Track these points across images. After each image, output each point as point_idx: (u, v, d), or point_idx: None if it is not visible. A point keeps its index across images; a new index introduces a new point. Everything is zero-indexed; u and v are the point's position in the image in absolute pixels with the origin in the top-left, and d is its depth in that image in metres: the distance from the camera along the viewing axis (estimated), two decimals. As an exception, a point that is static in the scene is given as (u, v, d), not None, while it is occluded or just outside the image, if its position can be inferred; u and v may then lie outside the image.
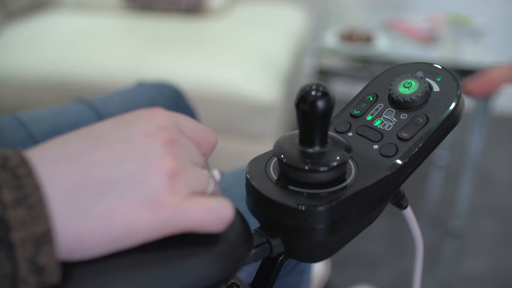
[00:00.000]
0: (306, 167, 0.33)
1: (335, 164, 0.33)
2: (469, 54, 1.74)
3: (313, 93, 0.32)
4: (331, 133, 0.35)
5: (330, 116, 0.33)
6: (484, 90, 0.32)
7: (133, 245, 0.26)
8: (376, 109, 0.40)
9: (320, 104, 0.32)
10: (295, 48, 1.67)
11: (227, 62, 1.42)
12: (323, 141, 0.33)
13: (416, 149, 0.36)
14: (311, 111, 0.32)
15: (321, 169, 0.33)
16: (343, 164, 0.34)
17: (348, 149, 0.34)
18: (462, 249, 1.43)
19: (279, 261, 0.36)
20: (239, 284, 0.36)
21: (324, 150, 0.33)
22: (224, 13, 1.80)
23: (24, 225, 0.23)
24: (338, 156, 0.33)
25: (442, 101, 0.38)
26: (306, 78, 2.02)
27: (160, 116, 0.29)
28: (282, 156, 0.33)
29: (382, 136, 0.38)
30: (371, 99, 0.41)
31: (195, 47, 1.51)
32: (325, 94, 0.32)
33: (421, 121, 0.37)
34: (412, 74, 0.40)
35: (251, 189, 0.35)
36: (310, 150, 0.33)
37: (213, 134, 0.32)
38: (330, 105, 0.32)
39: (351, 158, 0.36)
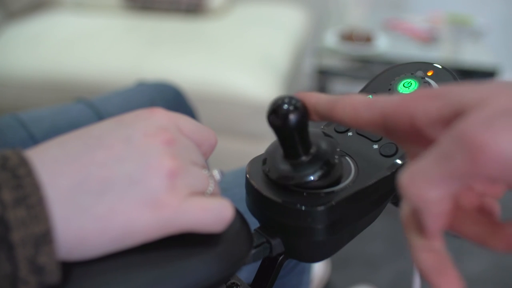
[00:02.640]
0: (291, 182, 0.33)
1: (322, 172, 0.32)
2: (469, 54, 1.74)
3: (285, 107, 0.30)
4: (314, 130, 0.34)
5: (305, 129, 0.31)
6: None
7: (133, 245, 0.26)
8: (376, 109, 0.40)
9: (292, 118, 0.30)
10: (295, 48, 1.67)
11: (227, 62, 1.42)
12: (305, 151, 0.33)
13: (416, 149, 0.36)
14: (283, 126, 0.31)
15: (312, 178, 0.32)
16: (334, 166, 0.33)
17: (334, 146, 0.34)
18: (462, 249, 1.43)
19: (279, 261, 0.36)
20: (239, 284, 0.36)
21: (307, 159, 0.33)
22: (224, 13, 1.80)
23: (24, 225, 0.23)
24: (324, 161, 0.33)
25: None
26: (306, 78, 2.02)
27: (160, 116, 0.29)
28: (268, 172, 0.33)
29: (382, 136, 0.38)
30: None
31: (195, 47, 1.51)
32: (296, 108, 0.30)
33: (421, 121, 0.37)
34: (412, 74, 0.40)
35: (251, 189, 0.35)
36: (294, 162, 0.33)
37: (213, 134, 0.32)
38: (301, 118, 0.30)
39: (351, 157, 0.36)
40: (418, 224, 0.24)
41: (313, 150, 0.33)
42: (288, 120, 0.30)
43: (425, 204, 0.22)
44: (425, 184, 0.22)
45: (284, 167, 0.33)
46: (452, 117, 0.23)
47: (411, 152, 0.28)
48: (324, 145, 0.34)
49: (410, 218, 0.25)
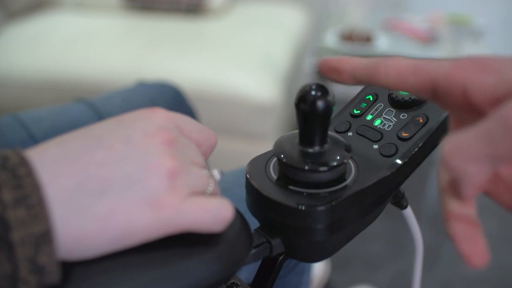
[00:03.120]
0: (306, 167, 0.33)
1: (334, 164, 0.33)
2: (469, 54, 1.74)
3: (313, 93, 0.32)
4: (330, 132, 0.35)
5: (329, 116, 0.33)
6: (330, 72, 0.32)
7: (133, 245, 0.26)
8: (376, 109, 0.40)
9: (320, 104, 0.32)
10: (295, 48, 1.67)
11: (227, 62, 1.42)
12: (323, 141, 0.33)
13: (416, 149, 0.36)
14: (311, 111, 0.32)
15: (321, 169, 0.33)
16: (343, 164, 0.34)
17: (348, 149, 0.34)
18: (462, 249, 1.43)
19: (279, 261, 0.36)
20: (239, 284, 0.36)
21: (323, 150, 0.33)
22: (224, 13, 1.80)
23: (24, 225, 0.23)
24: (338, 156, 0.33)
25: None
26: (306, 78, 2.02)
27: (160, 116, 0.29)
28: (282, 156, 0.33)
29: (382, 136, 0.38)
30: (371, 99, 0.41)
31: (195, 47, 1.51)
32: (325, 94, 0.32)
33: (421, 120, 0.37)
34: (412, 74, 0.40)
35: (251, 189, 0.35)
36: (310, 150, 0.33)
37: (213, 134, 0.32)
38: (329, 105, 0.32)
39: (351, 158, 0.36)
40: (455, 189, 0.25)
41: (328, 145, 0.34)
42: (316, 105, 0.32)
43: (465, 177, 0.23)
44: (467, 160, 0.22)
45: (299, 153, 0.34)
46: (505, 96, 0.23)
47: (457, 117, 0.28)
48: (339, 143, 0.34)
49: (447, 183, 0.25)
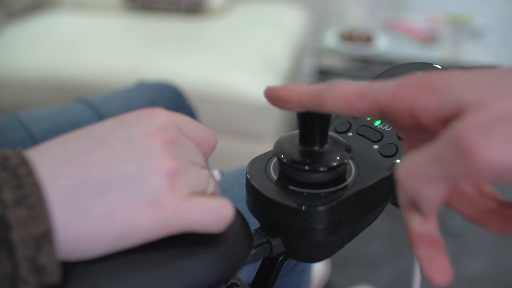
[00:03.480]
0: (306, 168, 0.33)
1: (335, 164, 0.33)
2: (469, 54, 1.74)
3: None
4: (331, 133, 0.35)
5: (330, 116, 0.33)
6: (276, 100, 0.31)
7: (133, 245, 0.26)
8: (376, 109, 0.40)
9: None
10: (295, 48, 1.67)
11: (227, 62, 1.42)
12: (323, 141, 0.33)
13: (416, 149, 0.36)
14: (311, 111, 0.32)
15: (321, 169, 0.33)
16: (343, 164, 0.34)
17: (348, 149, 0.34)
18: (462, 249, 1.43)
19: (279, 261, 0.36)
20: (239, 284, 0.36)
21: (324, 150, 0.33)
22: (224, 13, 1.80)
23: (24, 225, 0.23)
24: (338, 156, 0.33)
25: None
26: (306, 78, 2.02)
27: (160, 116, 0.29)
28: (282, 156, 0.33)
29: (382, 136, 0.38)
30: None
31: (195, 47, 1.51)
32: None
33: (421, 121, 0.37)
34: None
35: (251, 189, 0.35)
36: (310, 150, 0.33)
37: (213, 134, 0.32)
38: None
39: (351, 158, 0.36)
40: (415, 206, 0.25)
41: (328, 145, 0.34)
42: None
43: (422, 197, 0.23)
44: (422, 182, 0.23)
45: (299, 153, 0.33)
46: (452, 115, 0.23)
47: (408, 135, 0.28)
48: (339, 143, 0.34)
49: (407, 201, 0.26)
